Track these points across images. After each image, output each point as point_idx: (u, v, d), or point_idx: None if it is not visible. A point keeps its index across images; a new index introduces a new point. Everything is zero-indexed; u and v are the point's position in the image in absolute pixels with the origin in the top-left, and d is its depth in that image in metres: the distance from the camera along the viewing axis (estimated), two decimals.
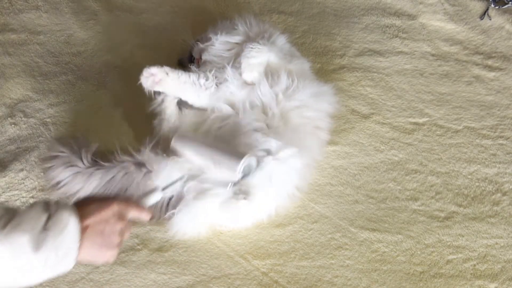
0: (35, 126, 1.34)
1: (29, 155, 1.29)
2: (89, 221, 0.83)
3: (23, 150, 1.30)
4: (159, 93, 1.23)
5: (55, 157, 1.25)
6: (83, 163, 1.23)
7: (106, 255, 0.86)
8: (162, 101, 1.27)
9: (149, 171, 1.20)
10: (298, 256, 1.20)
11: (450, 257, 1.22)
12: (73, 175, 1.22)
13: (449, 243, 1.24)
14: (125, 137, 1.33)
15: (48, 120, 1.36)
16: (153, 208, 1.12)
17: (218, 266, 1.18)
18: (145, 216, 0.92)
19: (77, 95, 1.41)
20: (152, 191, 0.97)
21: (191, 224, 1.18)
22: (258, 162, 1.11)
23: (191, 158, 1.14)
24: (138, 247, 1.19)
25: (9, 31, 1.52)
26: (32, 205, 0.80)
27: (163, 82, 1.21)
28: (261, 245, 1.21)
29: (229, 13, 1.63)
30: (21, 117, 1.35)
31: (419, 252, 1.22)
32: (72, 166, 1.22)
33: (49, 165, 1.25)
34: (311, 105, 1.26)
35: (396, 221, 1.27)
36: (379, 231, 1.25)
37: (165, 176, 1.17)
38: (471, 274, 1.20)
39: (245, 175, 1.08)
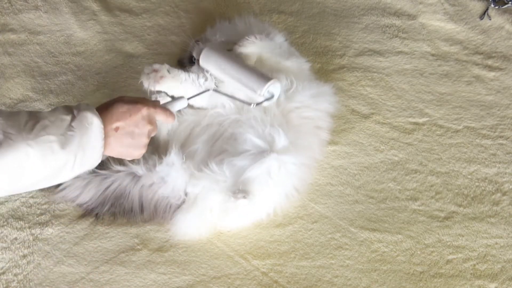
0: None
1: None
2: (120, 123, 0.89)
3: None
4: (157, 94, 1.22)
5: None
6: None
7: (135, 154, 0.94)
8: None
9: (144, 185, 1.21)
10: (298, 256, 1.20)
11: (450, 257, 1.22)
12: (73, 179, 1.22)
13: (449, 243, 1.24)
14: None
15: None
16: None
17: (218, 266, 1.18)
18: (171, 120, 0.99)
19: (77, 95, 1.41)
20: (178, 98, 1.03)
21: (192, 224, 1.18)
22: (280, 89, 1.17)
23: (217, 74, 1.19)
24: (138, 247, 1.19)
25: (9, 31, 1.52)
26: (54, 109, 0.84)
27: (164, 80, 1.21)
28: (261, 245, 1.21)
29: (229, 13, 1.63)
30: None
31: (419, 252, 1.22)
32: None
33: None
34: (311, 105, 1.26)
35: (396, 221, 1.27)
36: (379, 231, 1.25)
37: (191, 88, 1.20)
38: (471, 274, 1.20)
39: (267, 98, 1.15)
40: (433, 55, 1.59)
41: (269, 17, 1.63)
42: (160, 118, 0.97)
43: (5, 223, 1.19)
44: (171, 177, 1.18)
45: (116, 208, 1.21)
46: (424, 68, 1.56)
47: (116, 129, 0.89)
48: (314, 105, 1.26)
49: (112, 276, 1.15)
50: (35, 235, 1.18)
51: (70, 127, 0.82)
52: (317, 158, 1.30)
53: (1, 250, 1.16)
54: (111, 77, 1.45)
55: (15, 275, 1.13)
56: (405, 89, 1.51)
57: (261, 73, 1.18)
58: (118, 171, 1.21)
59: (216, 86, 1.23)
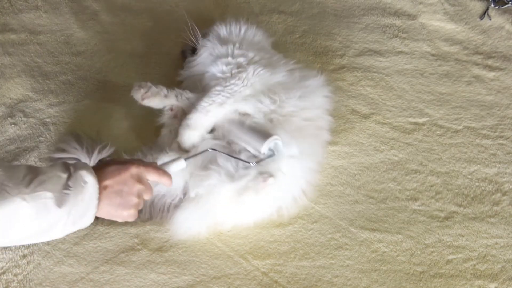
0: (35, 126, 1.34)
1: (29, 155, 1.29)
2: (108, 181, 0.88)
3: (23, 150, 1.30)
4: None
5: (63, 151, 1.26)
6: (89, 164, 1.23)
7: (124, 215, 0.91)
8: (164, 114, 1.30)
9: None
10: (298, 256, 1.20)
11: (450, 257, 1.22)
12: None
13: (449, 243, 1.24)
14: (125, 137, 1.33)
15: (48, 120, 1.36)
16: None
17: (218, 266, 1.18)
18: (165, 181, 0.96)
19: (77, 95, 1.41)
20: (176, 159, 1.00)
21: (195, 223, 1.18)
22: (282, 146, 1.14)
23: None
24: (138, 247, 1.19)
25: (9, 31, 1.52)
26: (52, 165, 0.84)
27: (149, 96, 1.25)
28: (261, 245, 1.21)
29: (229, 13, 1.63)
30: (21, 117, 1.35)
31: (419, 252, 1.22)
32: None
33: (55, 157, 1.26)
34: (307, 106, 1.25)
35: (396, 221, 1.27)
36: (379, 231, 1.25)
37: (190, 147, 1.20)
38: (471, 274, 1.20)
39: (269, 156, 1.12)
40: (433, 55, 1.59)
41: (269, 17, 1.63)
42: (153, 178, 0.94)
43: None
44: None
45: None
46: (424, 68, 1.56)
47: (105, 187, 0.87)
48: (309, 105, 1.25)
49: (112, 276, 1.15)
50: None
51: (66, 185, 0.82)
52: (321, 160, 1.29)
53: (1, 250, 1.16)
54: (111, 77, 1.45)
55: (15, 275, 1.13)
56: (405, 89, 1.51)
57: (261, 130, 1.16)
58: None
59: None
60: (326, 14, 1.66)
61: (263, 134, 1.14)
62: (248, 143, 1.15)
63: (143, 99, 1.25)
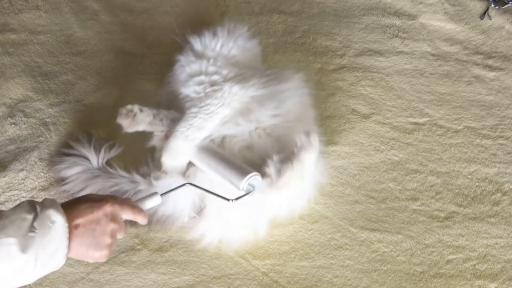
0: (35, 126, 1.34)
1: (29, 155, 1.29)
2: (80, 220, 0.83)
3: (23, 150, 1.30)
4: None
5: (71, 151, 1.26)
6: (97, 163, 1.24)
7: (96, 256, 0.86)
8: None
9: (141, 191, 1.20)
10: (298, 256, 1.20)
11: (450, 257, 1.22)
12: (80, 173, 1.23)
13: (449, 243, 1.24)
14: (126, 137, 1.33)
15: (48, 120, 1.36)
16: (151, 211, 1.10)
17: (218, 266, 1.18)
18: (140, 219, 0.92)
19: (77, 95, 1.41)
20: (151, 195, 0.96)
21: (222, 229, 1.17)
22: (261, 181, 1.08)
23: (199, 165, 1.15)
24: (138, 247, 1.19)
25: (9, 31, 1.52)
26: (16, 206, 0.79)
27: (134, 126, 1.21)
28: (261, 245, 1.21)
29: (229, 13, 1.63)
30: (21, 117, 1.35)
31: (419, 252, 1.22)
32: (84, 161, 1.24)
33: (63, 157, 1.26)
34: (287, 110, 1.21)
35: (396, 221, 1.27)
36: (379, 231, 1.25)
37: (165, 183, 1.16)
38: (471, 274, 1.20)
39: (248, 192, 1.07)
40: (433, 55, 1.59)
41: (269, 17, 1.63)
42: (127, 216, 0.90)
43: None
44: (172, 198, 1.14)
45: None
46: (424, 68, 1.56)
47: (76, 226, 0.82)
48: (288, 108, 1.21)
49: (112, 276, 1.15)
50: None
51: (31, 227, 0.76)
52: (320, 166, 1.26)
53: None
54: (111, 77, 1.45)
55: None
56: (405, 89, 1.51)
57: (241, 166, 1.10)
58: (123, 176, 1.22)
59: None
60: (326, 14, 1.66)
61: (241, 170, 1.08)
62: (227, 179, 1.09)
63: (127, 128, 1.21)
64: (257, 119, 1.18)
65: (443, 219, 1.28)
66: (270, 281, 1.16)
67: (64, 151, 1.28)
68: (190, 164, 1.19)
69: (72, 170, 1.23)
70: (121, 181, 1.21)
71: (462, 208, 1.30)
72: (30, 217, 0.78)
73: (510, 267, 1.22)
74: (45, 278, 1.13)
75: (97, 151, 1.25)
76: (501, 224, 1.28)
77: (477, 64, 1.58)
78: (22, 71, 1.44)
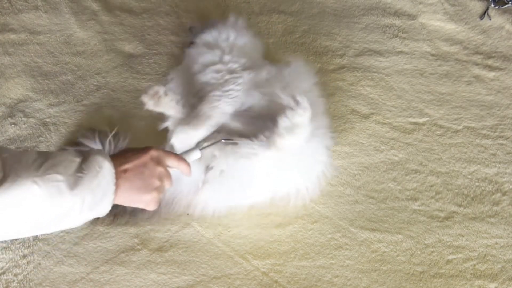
0: (35, 126, 1.34)
1: None
2: (128, 165, 0.85)
3: (23, 150, 1.30)
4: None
5: (78, 145, 1.27)
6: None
7: (146, 198, 0.87)
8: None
9: None
10: (298, 256, 1.20)
11: (450, 257, 1.22)
12: None
13: (449, 243, 1.24)
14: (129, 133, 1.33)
15: (48, 120, 1.36)
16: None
17: (218, 266, 1.18)
18: (184, 169, 0.94)
19: (77, 95, 1.41)
20: (191, 149, 1.01)
21: (222, 199, 1.18)
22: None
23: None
24: (138, 247, 1.19)
25: (9, 31, 1.52)
26: (64, 150, 0.82)
27: (161, 101, 1.20)
28: (261, 245, 1.21)
29: (229, 13, 1.62)
30: (21, 117, 1.35)
31: (419, 252, 1.22)
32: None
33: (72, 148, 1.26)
34: (295, 86, 1.21)
35: (396, 221, 1.27)
36: (379, 231, 1.25)
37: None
38: (471, 274, 1.20)
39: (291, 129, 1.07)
40: (433, 55, 1.59)
41: (269, 17, 1.63)
42: (172, 163, 0.92)
43: None
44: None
45: (117, 208, 1.21)
46: (424, 68, 1.56)
47: (125, 171, 0.84)
48: (295, 86, 1.22)
49: (112, 276, 1.15)
50: (35, 235, 1.18)
51: (80, 168, 0.78)
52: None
53: (1, 250, 1.16)
54: (111, 77, 1.45)
55: (15, 275, 1.13)
56: (405, 89, 1.51)
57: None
58: None
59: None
60: (326, 14, 1.66)
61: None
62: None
63: (150, 107, 1.20)
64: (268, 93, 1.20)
65: (443, 219, 1.28)
66: (270, 281, 1.16)
67: (76, 141, 1.29)
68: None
69: None
70: None
71: (462, 208, 1.30)
72: (78, 159, 0.79)
73: (510, 267, 1.22)
74: (45, 278, 1.13)
75: (103, 143, 1.25)
76: (501, 224, 1.28)
77: (477, 64, 1.58)
78: (22, 71, 1.44)
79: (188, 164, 0.95)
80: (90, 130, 1.31)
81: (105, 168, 0.80)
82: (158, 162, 0.89)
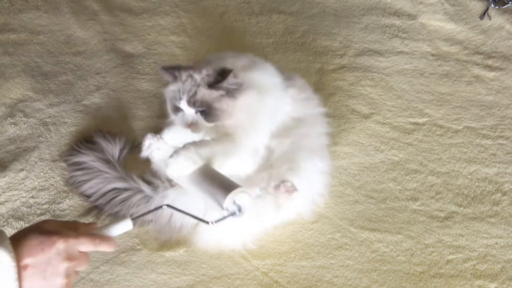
0: (35, 126, 1.34)
1: (29, 155, 1.29)
2: (29, 260, 0.73)
3: (23, 150, 1.30)
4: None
5: (95, 143, 1.28)
6: (113, 157, 1.25)
7: None
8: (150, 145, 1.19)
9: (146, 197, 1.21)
10: (298, 256, 1.20)
11: (450, 257, 1.22)
12: (93, 162, 1.23)
13: (449, 243, 1.24)
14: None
15: (48, 120, 1.36)
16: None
17: (218, 266, 1.17)
18: (105, 248, 0.81)
19: (77, 95, 1.41)
20: (122, 220, 0.85)
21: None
22: (249, 200, 0.99)
23: (186, 187, 1.07)
24: (138, 247, 1.19)
25: (9, 31, 1.52)
26: None
27: (154, 156, 1.18)
28: (261, 245, 1.21)
29: (229, 13, 1.63)
30: (21, 117, 1.35)
31: (419, 252, 1.22)
32: (102, 154, 1.25)
33: (80, 146, 1.28)
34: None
35: (396, 221, 1.27)
36: (379, 231, 1.25)
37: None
38: (471, 274, 1.20)
39: (233, 213, 0.97)
40: (433, 55, 1.59)
41: (269, 17, 1.63)
42: (87, 248, 0.79)
43: (5, 223, 1.19)
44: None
45: (117, 213, 1.21)
46: (424, 68, 1.56)
47: (25, 267, 0.72)
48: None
49: (112, 276, 1.15)
50: None
51: None
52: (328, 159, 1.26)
53: None
54: (111, 77, 1.45)
55: None
56: (405, 89, 1.51)
57: (228, 181, 0.99)
58: (136, 183, 1.22)
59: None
60: (326, 14, 1.66)
61: (227, 185, 0.97)
62: (212, 196, 0.98)
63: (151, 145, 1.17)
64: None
65: (443, 219, 1.28)
66: (270, 281, 1.16)
67: (86, 139, 1.30)
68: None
69: (85, 157, 1.25)
70: (132, 187, 1.22)
71: (462, 208, 1.30)
72: None
73: (510, 267, 1.22)
74: None
75: (111, 144, 1.26)
76: (501, 224, 1.28)
77: (477, 64, 1.58)
78: (22, 71, 1.44)
79: (111, 242, 0.81)
80: (98, 131, 1.31)
81: (5, 264, 0.70)
82: (66, 255, 0.76)
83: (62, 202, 1.23)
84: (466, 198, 1.32)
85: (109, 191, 1.21)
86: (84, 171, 1.24)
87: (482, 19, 1.69)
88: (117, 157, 1.27)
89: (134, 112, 1.39)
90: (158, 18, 1.60)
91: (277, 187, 1.11)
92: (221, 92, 1.06)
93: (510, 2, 1.69)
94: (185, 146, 1.04)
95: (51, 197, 1.23)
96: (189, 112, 1.06)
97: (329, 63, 1.54)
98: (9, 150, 1.30)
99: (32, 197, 1.23)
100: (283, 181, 1.11)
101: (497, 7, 1.70)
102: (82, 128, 1.34)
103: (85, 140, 1.30)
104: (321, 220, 1.25)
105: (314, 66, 1.52)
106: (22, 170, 1.27)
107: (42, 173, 1.26)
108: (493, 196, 1.33)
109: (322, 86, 1.48)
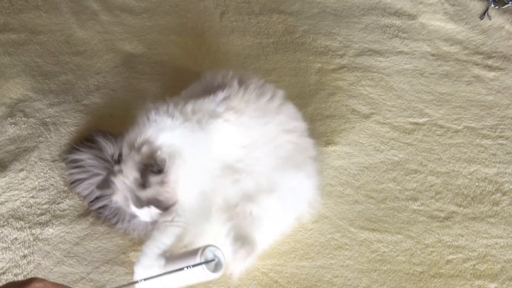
0: (35, 126, 1.34)
1: (29, 155, 1.29)
2: None
3: (23, 150, 1.30)
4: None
5: (95, 141, 1.27)
6: (112, 158, 1.24)
7: None
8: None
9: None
10: (298, 256, 1.20)
11: (450, 257, 1.22)
12: (92, 159, 1.23)
13: (449, 243, 1.24)
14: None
15: (48, 120, 1.36)
16: None
17: None
18: None
19: (77, 95, 1.41)
20: None
21: None
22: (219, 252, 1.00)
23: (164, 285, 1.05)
24: (139, 247, 1.19)
25: (9, 31, 1.52)
26: None
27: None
28: None
29: (229, 13, 1.62)
30: (21, 117, 1.35)
31: (419, 252, 1.22)
32: (100, 152, 1.24)
33: (85, 144, 1.27)
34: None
35: (396, 221, 1.27)
36: (379, 231, 1.25)
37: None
38: (471, 274, 1.20)
39: (214, 268, 0.99)
40: (433, 55, 1.59)
41: (269, 17, 1.63)
42: None
43: (5, 223, 1.19)
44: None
45: (113, 220, 1.21)
46: (424, 68, 1.56)
47: None
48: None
49: (112, 276, 1.15)
50: (36, 235, 1.18)
51: None
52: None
53: (1, 250, 1.16)
54: (111, 76, 1.45)
55: (15, 275, 1.13)
56: (405, 89, 1.51)
57: (189, 251, 1.02)
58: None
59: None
60: (326, 14, 1.66)
61: (192, 252, 1.00)
62: (186, 263, 0.99)
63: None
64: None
65: (443, 219, 1.28)
66: (270, 281, 1.16)
67: (87, 137, 1.30)
68: None
69: (83, 155, 1.24)
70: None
71: (462, 208, 1.30)
72: None
73: (510, 267, 1.22)
74: (45, 278, 1.13)
75: (111, 143, 1.26)
76: (501, 224, 1.28)
77: (477, 64, 1.58)
78: (22, 71, 1.44)
79: None
80: (99, 131, 1.31)
81: None
82: None
83: (62, 202, 1.23)
84: (466, 198, 1.32)
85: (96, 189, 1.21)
86: (81, 169, 1.23)
87: (482, 19, 1.69)
88: (117, 157, 1.27)
89: (134, 112, 1.38)
90: (158, 18, 1.60)
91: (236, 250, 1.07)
92: (154, 186, 1.05)
93: (510, 2, 1.69)
94: (144, 252, 1.04)
95: (51, 197, 1.23)
96: (144, 211, 1.08)
97: (329, 63, 1.54)
98: (9, 150, 1.30)
99: (32, 197, 1.23)
100: (241, 245, 1.06)
101: (497, 7, 1.70)
102: (82, 128, 1.34)
103: (85, 139, 1.30)
104: (321, 220, 1.25)
105: (314, 66, 1.52)
106: (22, 170, 1.27)
107: (42, 173, 1.26)
108: (493, 196, 1.33)
109: (322, 86, 1.48)
